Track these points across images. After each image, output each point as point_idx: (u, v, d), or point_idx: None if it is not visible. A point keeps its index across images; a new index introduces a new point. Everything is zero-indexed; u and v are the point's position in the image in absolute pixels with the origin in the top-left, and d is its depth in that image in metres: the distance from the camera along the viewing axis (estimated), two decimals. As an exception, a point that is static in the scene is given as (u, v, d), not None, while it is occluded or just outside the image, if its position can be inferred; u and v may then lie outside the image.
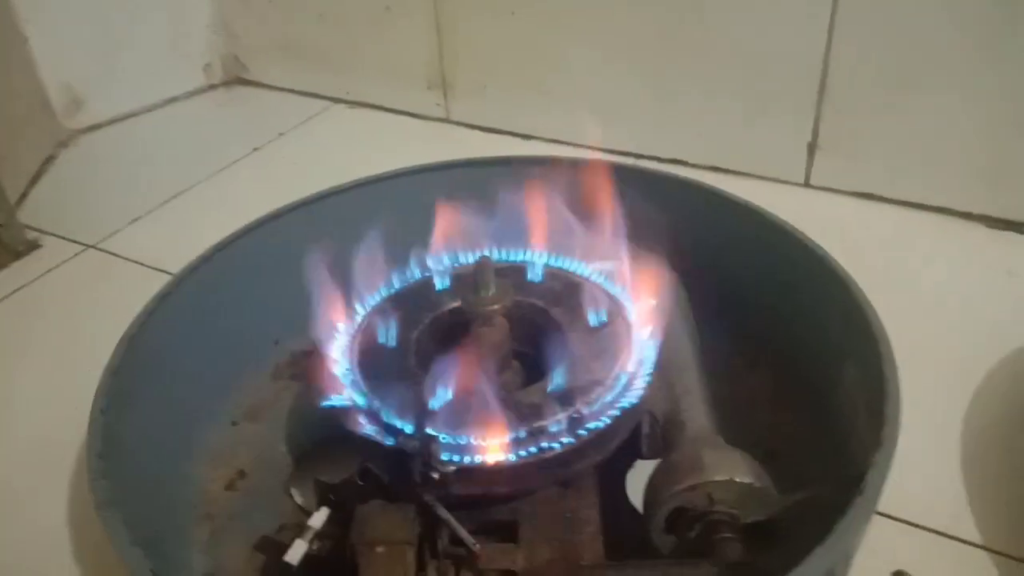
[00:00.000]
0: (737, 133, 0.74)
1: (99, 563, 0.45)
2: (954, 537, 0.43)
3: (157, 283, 0.66)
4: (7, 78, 0.82)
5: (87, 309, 0.65)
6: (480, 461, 0.35)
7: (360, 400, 0.37)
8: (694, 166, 0.76)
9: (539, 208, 0.42)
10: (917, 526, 0.44)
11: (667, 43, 0.74)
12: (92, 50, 0.91)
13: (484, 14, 0.81)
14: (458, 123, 0.88)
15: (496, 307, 0.39)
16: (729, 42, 0.71)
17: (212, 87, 1.00)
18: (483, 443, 0.35)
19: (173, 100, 0.98)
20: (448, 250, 0.45)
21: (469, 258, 0.45)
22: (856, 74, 0.67)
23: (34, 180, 0.83)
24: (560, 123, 0.81)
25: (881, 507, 0.35)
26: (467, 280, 0.41)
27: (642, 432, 0.39)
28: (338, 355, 0.40)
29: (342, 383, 0.38)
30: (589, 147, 0.81)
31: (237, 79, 1.01)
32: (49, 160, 0.87)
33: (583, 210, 0.42)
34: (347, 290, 0.43)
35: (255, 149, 0.86)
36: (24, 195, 0.80)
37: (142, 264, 0.69)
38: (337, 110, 0.94)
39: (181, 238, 0.71)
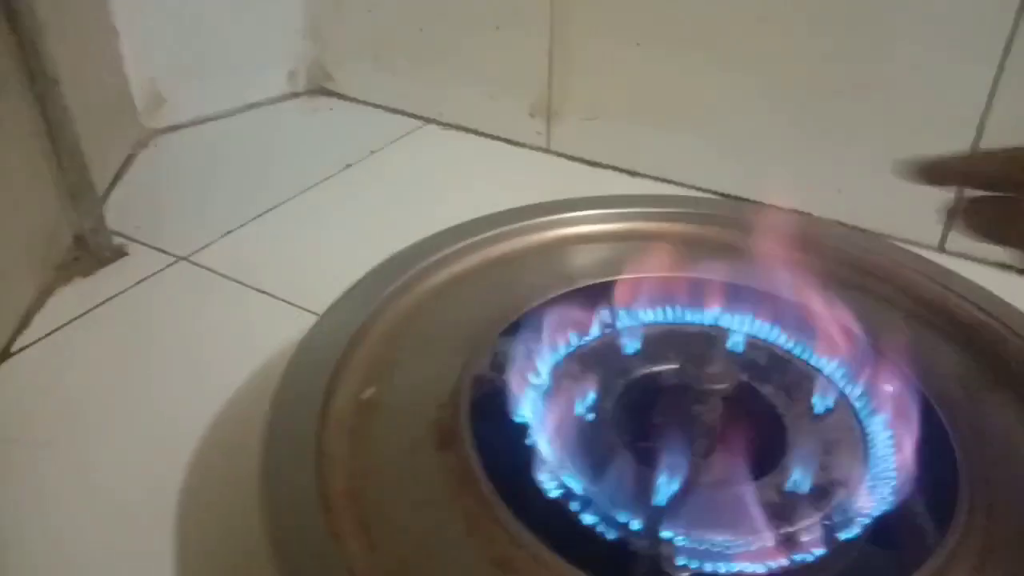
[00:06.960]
0: (872, 188, 0.70)
1: None
2: None
3: (261, 304, 0.62)
4: (96, 73, 0.78)
5: (187, 327, 0.60)
6: (725, 571, 0.30)
7: (575, 486, 0.33)
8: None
9: (768, 269, 0.38)
10: None
11: (801, 85, 0.70)
12: (178, 46, 0.86)
13: (606, 42, 0.77)
14: (558, 154, 0.84)
15: (724, 387, 0.34)
16: (875, 89, 0.67)
17: (295, 95, 0.96)
18: (729, 550, 0.30)
19: (255, 106, 0.93)
20: (637, 305, 0.41)
21: (658, 316, 0.41)
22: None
23: (114, 181, 0.79)
24: (674, 160, 0.77)
25: None
26: (687, 348, 0.36)
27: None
28: (541, 429, 0.35)
29: (551, 465, 0.33)
30: (706, 189, 0.77)
31: (320, 89, 0.97)
32: (129, 160, 0.83)
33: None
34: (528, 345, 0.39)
35: (347, 166, 0.82)
36: (106, 197, 0.75)
37: (241, 283, 0.64)
38: (430, 130, 0.89)
39: (282, 256, 0.68)
